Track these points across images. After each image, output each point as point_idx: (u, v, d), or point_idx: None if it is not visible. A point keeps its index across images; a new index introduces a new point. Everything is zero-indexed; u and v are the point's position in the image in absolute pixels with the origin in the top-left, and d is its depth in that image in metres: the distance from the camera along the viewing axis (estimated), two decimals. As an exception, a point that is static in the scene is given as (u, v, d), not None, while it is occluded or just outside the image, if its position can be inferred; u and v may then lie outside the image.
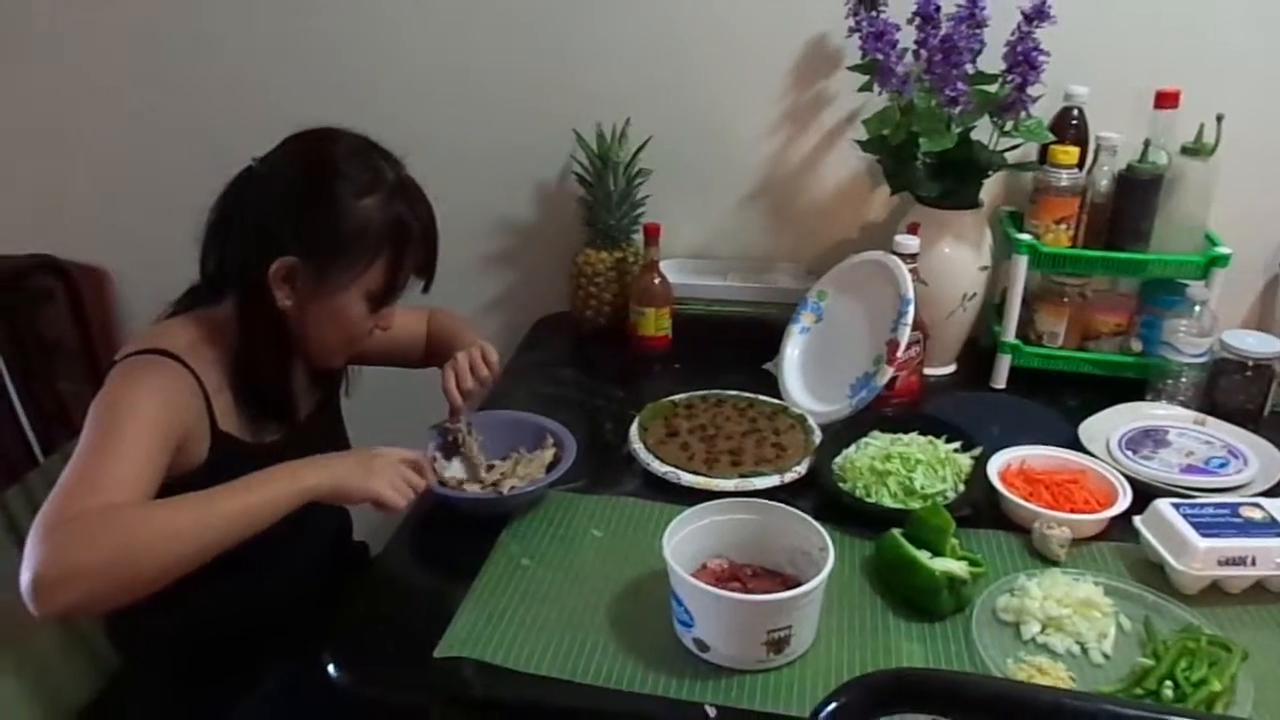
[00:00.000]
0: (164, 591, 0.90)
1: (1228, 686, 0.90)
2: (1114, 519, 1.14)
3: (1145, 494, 1.15)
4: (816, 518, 1.02)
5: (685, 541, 1.02)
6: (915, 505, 1.15)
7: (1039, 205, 1.45)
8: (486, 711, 0.96)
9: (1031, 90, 1.38)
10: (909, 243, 1.39)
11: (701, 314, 1.63)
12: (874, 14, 1.43)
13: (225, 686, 1.14)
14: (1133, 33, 1.49)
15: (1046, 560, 1.10)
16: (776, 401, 1.41)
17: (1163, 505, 1.09)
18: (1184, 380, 1.39)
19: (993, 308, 1.58)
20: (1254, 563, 1.03)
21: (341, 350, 1.17)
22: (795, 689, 0.93)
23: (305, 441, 1.12)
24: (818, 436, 1.31)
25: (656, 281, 1.57)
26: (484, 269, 1.83)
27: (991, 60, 1.41)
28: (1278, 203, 1.54)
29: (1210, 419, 1.34)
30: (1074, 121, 1.48)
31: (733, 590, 0.98)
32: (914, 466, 1.20)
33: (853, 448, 1.27)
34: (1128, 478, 1.19)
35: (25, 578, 0.85)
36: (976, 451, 1.25)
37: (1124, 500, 1.15)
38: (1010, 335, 1.49)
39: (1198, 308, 1.37)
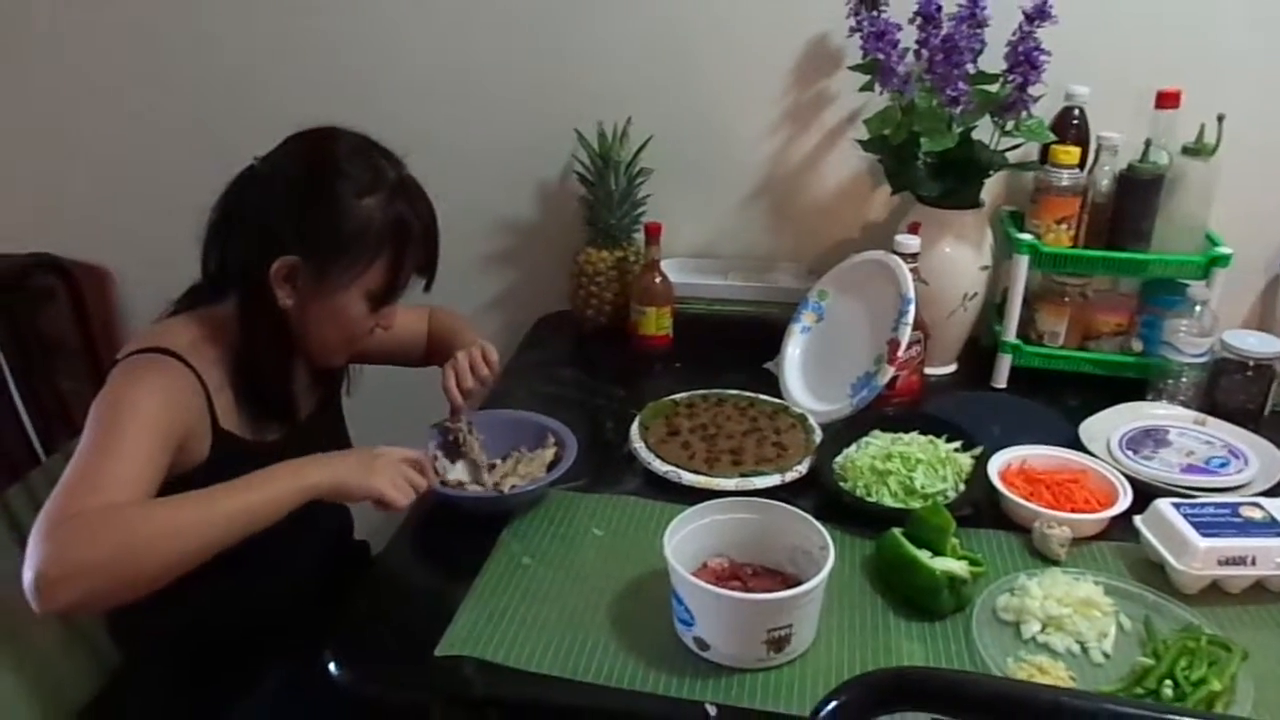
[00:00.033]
0: (165, 589, 0.90)
1: (1227, 686, 0.90)
2: (1114, 519, 1.14)
3: (1146, 494, 1.15)
4: (817, 517, 1.03)
5: (686, 540, 1.02)
6: (916, 505, 1.15)
7: (1040, 205, 1.45)
8: (487, 710, 0.97)
9: (1032, 90, 1.38)
10: (910, 242, 1.39)
11: (702, 313, 1.63)
12: (875, 14, 1.44)
13: (226, 685, 1.14)
14: (1134, 33, 1.50)
15: (1047, 560, 1.10)
16: (777, 401, 1.41)
17: (1163, 505, 1.09)
18: (1184, 380, 1.39)
19: (993, 307, 1.58)
20: (1254, 562, 1.03)
21: (342, 349, 1.17)
22: (795, 688, 0.93)
23: (306, 440, 1.12)
24: (818, 436, 1.31)
25: (657, 281, 1.57)
26: (485, 268, 1.83)
27: (993, 60, 1.41)
28: (1279, 203, 1.54)
29: (1211, 419, 1.34)
30: (1075, 121, 1.48)
31: (733, 589, 0.98)
32: (914, 466, 1.20)
33: (853, 447, 1.28)
34: (1128, 477, 1.19)
35: (28, 575, 0.85)
36: (977, 451, 1.25)
37: (1124, 500, 1.15)
38: (1011, 335, 1.49)
39: (1198, 308, 1.37)
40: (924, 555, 1.02)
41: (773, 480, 1.22)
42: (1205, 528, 1.05)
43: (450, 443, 1.24)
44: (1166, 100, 1.38)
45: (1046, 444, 1.26)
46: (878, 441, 1.26)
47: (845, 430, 1.31)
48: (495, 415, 1.32)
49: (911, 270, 1.37)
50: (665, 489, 1.22)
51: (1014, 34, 1.38)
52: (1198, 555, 1.03)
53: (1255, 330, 1.41)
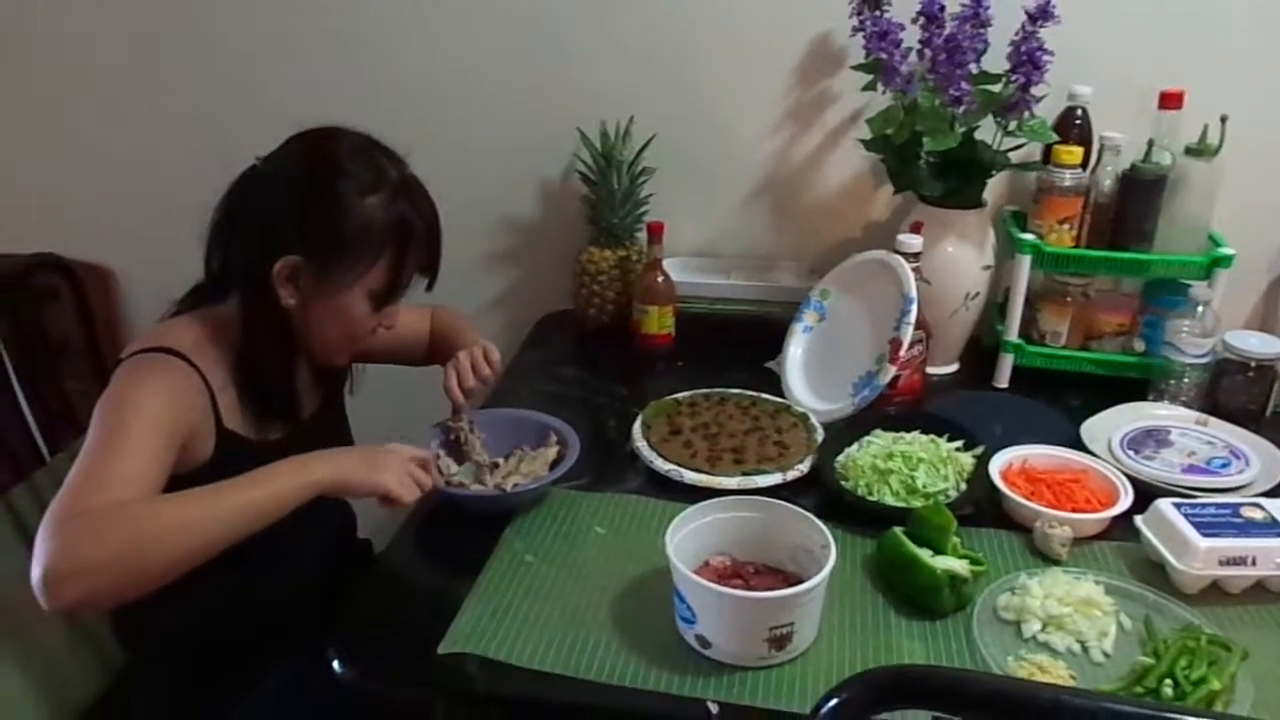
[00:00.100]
0: (170, 587, 0.91)
1: (1227, 685, 0.90)
2: (1115, 518, 1.14)
3: (1147, 494, 1.15)
4: (819, 516, 1.03)
5: (688, 539, 1.02)
6: (917, 504, 1.15)
7: (1042, 205, 1.45)
8: (490, 707, 0.97)
9: (1035, 90, 1.38)
10: (912, 242, 1.40)
11: (704, 312, 1.63)
12: (878, 13, 1.44)
13: (230, 683, 1.14)
14: (1137, 33, 1.49)
15: (1048, 559, 1.10)
16: (779, 400, 1.41)
17: (1164, 505, 1.10)
18: (1186, 380, 1.39)
19: (995, 307, 1.58)
20: (1254, 563, 1.03)
21: (345, 349, 1.17)
22: (797, 686, 0.93)
23: (310, 439, 1.12)
24: (820, 435, 1.31)
25: (660, 280, 1.57)
26: (487, 267, 1.84)
27: (995, 60, 1.41)
28: (1281, 203, 1.55)
29: (1212, 419, 1.34)
30: (1078, 121, 1.48)
31: (735, 587, 0.99)
32: (916, 465, 1.20)
33: (855, 446, 1.28)
34: (1129, 477, 1.19)
35: (36, 572, 0.86)
36: (978, 450, 1.25)
37: (1125, 500, 1.15)
38: (1013, 334, 1.50)
39: (1200, 308, 1.37)
40: (925, 554, 1.03)
41: (774, 479, 1.22)
42: (1206, 528, 1.05)
43: (452, 442, 1.24)
44: (1169, 100, 1.38)
45: (1048, 444, 1.26)
46: (879, 441, 1.27)
47: (847, 429, 1.31)
48: (497, 414, 1.33)
49: (914, 270, 1.37)
50: (667, 487, 1.23)
51: (1017, 34, 1.38)
52: (1198, 555, 1.03)
53: (1257, 331, 1.41)
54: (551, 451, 1.25)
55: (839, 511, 1.15)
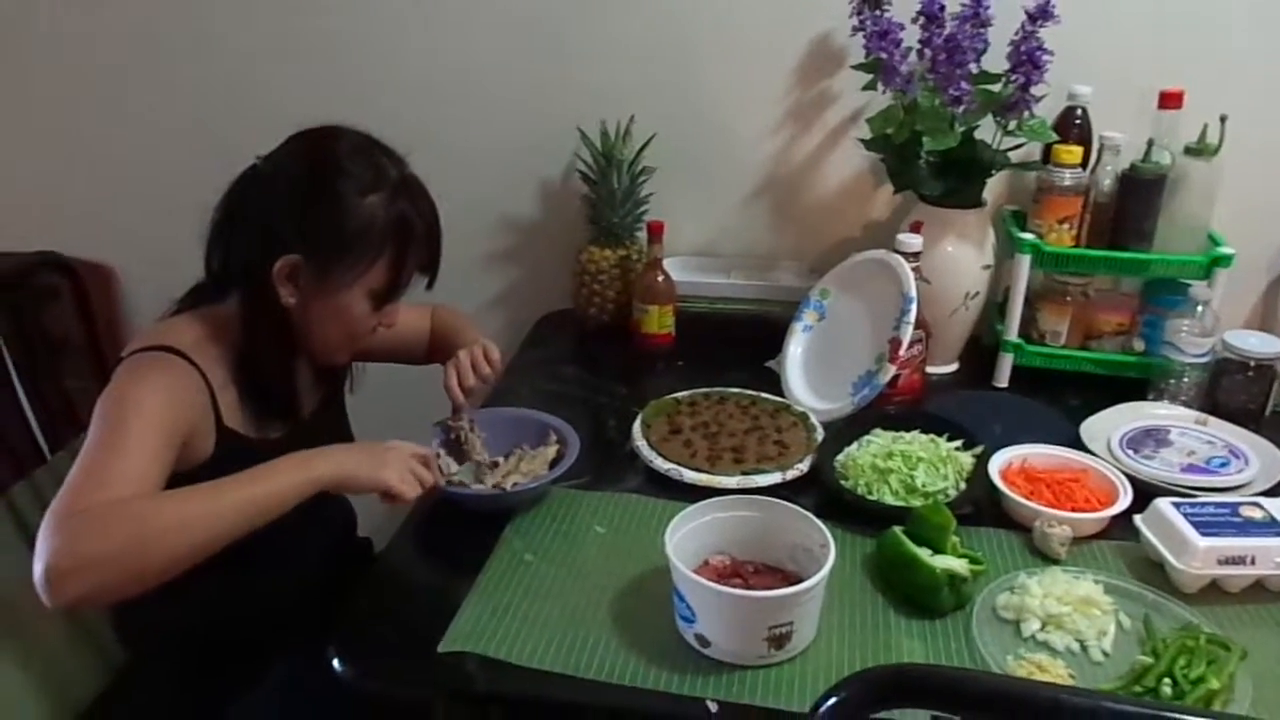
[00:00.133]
0: (171, 585, 0.91)
1: (1226, 684, 0.90)
2: (1114, 518, 1.14)
3: (1146, 493, 1.15)
4: (818, 515, 1.03)
5: (687, 538, 1.02)
6: (917, 503, 1.15)
7: (1042, 204, 1.45)
8: (489, 706, 0.97)
9: (1035, 90, 1.38)
10: (912, 241, 1.40)
11: (704, 311, 1.63)
12: (878, 13, 1.44)
13: (230, 681, 1.14)
14: (1137, 32, 1.50)
15: (1047, 558, 1.11)
16: (779, 399, 1.41)
17: (1163, 504, 1.10)
18: (1186, 380, 1.39)
19: (995, 306, 1.58)
20: (1253, 562, 1.03)
21: (345, 348, 1.17)
22: (796, 685, 0.93)
23: (310, 438, 1.12)
24: (820, 434, 1.31)
25: (660, 279, 1.57)
26: (487, 266, 1.84)
27: (995, 60, 1.41)
28: (1280, 203, 1.55)
29: (1212, 419, 1.34)
30: (1077, 121, 1.48)
31: (734, 586, 0.99)
32: (915, 464, 1.20)
33: (855, 445, 1.28)
34: (1129, 477, 1.19)
35: (38, 568, 0.86)
36: (978, 450, 1.25)
37: (1125, 499, 1.15)
38: (1013, 334, 1.50)
39: (1200, 308, 1.37)
40: (924, 553, 1.03)
41: (774, 478, 1.22)
42: (1205, 527, 1.05)
43: (452, 441, 1.25)
44: (1169, 100, 1.38)
45: (1047, 443, 1.26)
46: (879, 440, 1.27)
47: (847, 428, 1.32)
48: (497, 413, 1.33)
49: (913, 269, 1.37)
50: (667, 487, 1.23)
51: (1017, 33, 1.38)
52: (1197, 554, 1.03)
53: (1257, 330, 1.41)
54: (551, 450, 1.25)
55: (838, 511, 1.15)
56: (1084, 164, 1.44)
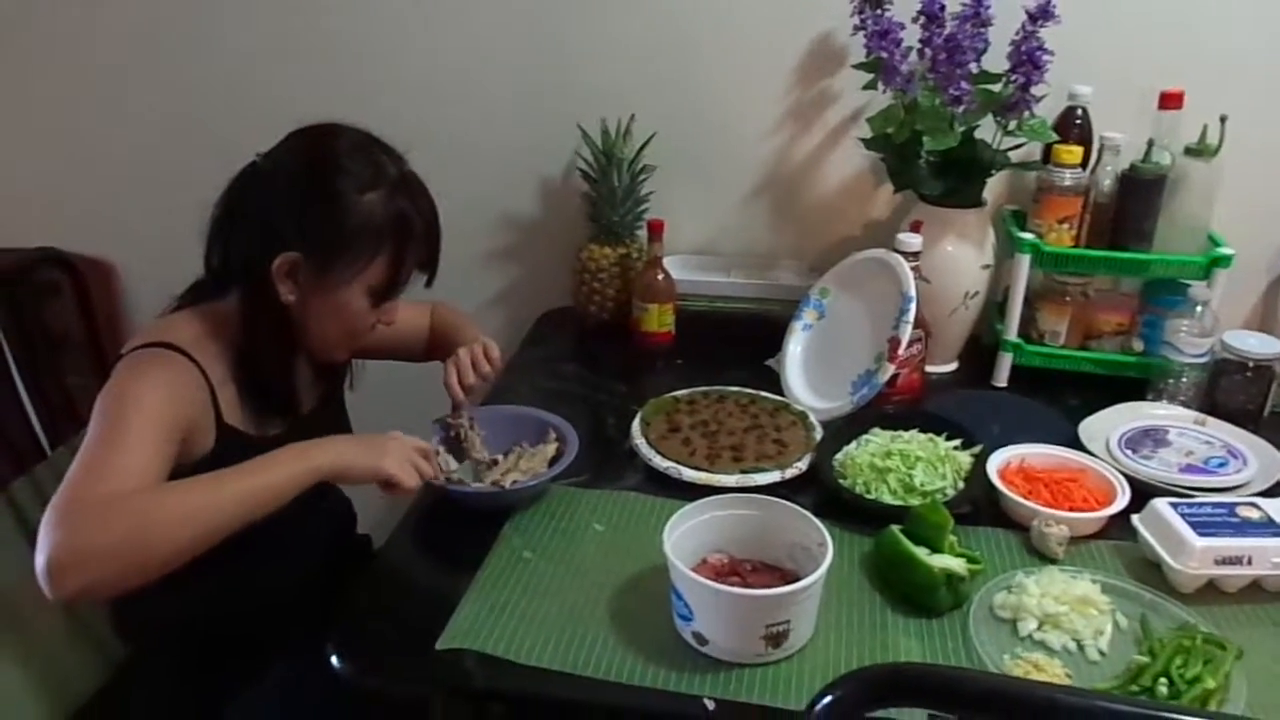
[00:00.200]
0: (171, 578, 0.91)
1: (1222, 684, 0.90)
2: (1112, 517, 1.14)
3: (1144, 493, 1.15)
4: (817, 514, 1.03)
5: (686, 536, 1.02)
6: (915, 502, 1.15)
7: (1042, 204, 1.45)
8: (487, 703, 0.98)
9: (1035, 90, 1.39)
10: (912, 241, 1.40)
11: (704, 310, 1.64)
12: (879, 12, 1.44)
13: (229, 677, 1.15)
14: (1137, 33, 1.50)
15: (1044, 558, 1.11)
16: (778, 398, 1.41)
17: (1160, 504, 1.10)
18: (1185, 380, 1.39)
19: (995, 306, 1.59)
20: (1250, 562, 1.04)
21: (344, 345, 1.17)
22: (793, 683, 0.93)
23: (309, 435, 1.12)
24: (819, 433, 1.32)
25: (660, 277, 1.57)
26: (487, 264, 1.84)
27: (996, 59, 1.41)
28: (1280, 203, 1.55)
29: (1210, 419, 1.34)
30: (1078, 121, 1.48)
31: (732, 585, 0.99)
32: (914, 463, 1.20)
33: (853, 444, 1.28)
34: (1127, 477, 1.20)
35: (40, 561, 0.86)
36: (977, 449, 1.25)
37: (1122, 499, 1.15)
38: (1012, 334, 1.50)
39: (1199, 308, 1.37)
40: (922, 552, 1.03)
41: (773, 477, 1.23)
42: (1202, 527, 1.05)
43: (452, 438, 1.25)
44: (1169, 101, 1.38)
45: (1046, 443, 1.27)
46: (878, 439, 1.27)
47: (845, 427, 1.32)
48: (497, 411, 1.33)
49: (913, 268, 1.37)
50: (666, 485, 1.23)
51: (1017, 33, 1.38)
52: (1194, 554, 1.03)
53: (1256, 331, 1.41)
54: (550, 448, 1.25)
55: (837, 509, 1.15)
56: (1084, 164, 1.44)
